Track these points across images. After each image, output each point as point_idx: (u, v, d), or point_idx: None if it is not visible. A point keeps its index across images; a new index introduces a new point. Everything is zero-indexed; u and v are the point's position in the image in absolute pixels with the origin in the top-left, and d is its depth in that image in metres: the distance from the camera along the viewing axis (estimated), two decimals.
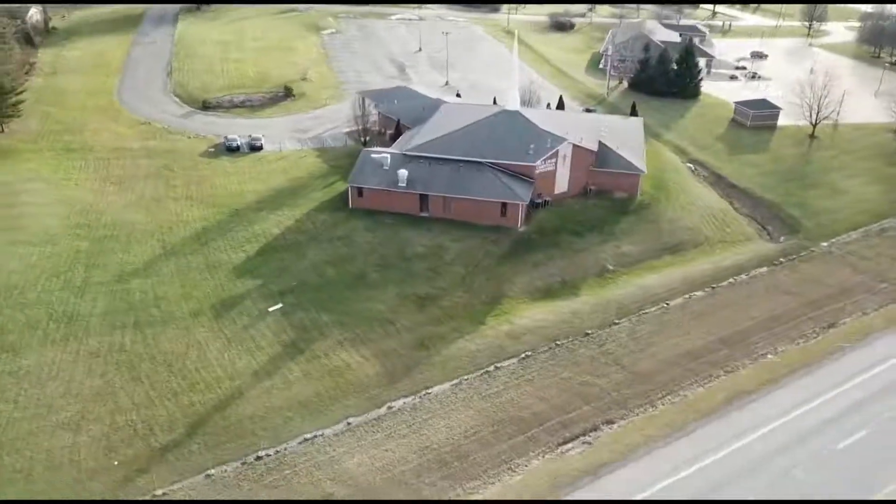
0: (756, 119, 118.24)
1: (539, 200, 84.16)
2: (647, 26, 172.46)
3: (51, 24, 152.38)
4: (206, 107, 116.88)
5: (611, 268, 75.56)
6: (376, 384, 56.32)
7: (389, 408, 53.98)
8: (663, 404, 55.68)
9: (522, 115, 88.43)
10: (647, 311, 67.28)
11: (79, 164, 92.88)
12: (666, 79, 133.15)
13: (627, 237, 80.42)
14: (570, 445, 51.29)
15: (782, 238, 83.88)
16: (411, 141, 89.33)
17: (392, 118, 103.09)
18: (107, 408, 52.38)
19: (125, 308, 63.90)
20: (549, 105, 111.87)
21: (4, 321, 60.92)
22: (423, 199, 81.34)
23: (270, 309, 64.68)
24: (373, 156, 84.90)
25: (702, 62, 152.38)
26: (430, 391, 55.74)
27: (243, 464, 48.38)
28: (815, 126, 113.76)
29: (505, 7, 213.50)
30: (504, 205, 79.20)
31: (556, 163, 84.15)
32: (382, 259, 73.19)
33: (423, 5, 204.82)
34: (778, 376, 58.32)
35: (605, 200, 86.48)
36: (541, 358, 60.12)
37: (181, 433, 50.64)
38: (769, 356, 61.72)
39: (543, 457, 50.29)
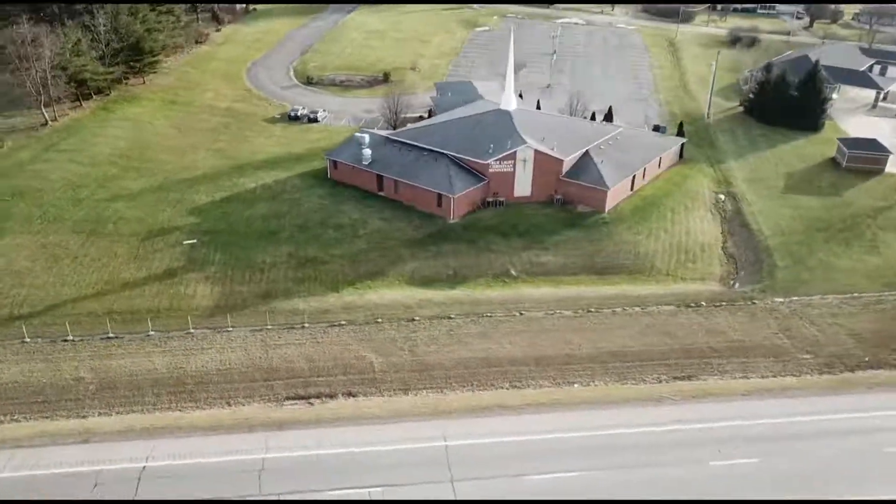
0: (853, 160, 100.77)
1: (492, 199, 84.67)
2: (829, 49, 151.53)
3: (251, 7, 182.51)
4: (308, 82, 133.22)
5: (514, 273, 74.45)
6: (199, 314, 65.34)
7: (189, 333, 62.70)
8: (416, 394, 56.59)
9: (509, 115, 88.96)
10: (493, 315, 66.30)
11: (170, 113, 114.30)
12: (781, 106, 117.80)
13: (557, 249, 77.70)
14: (295, 402, 55.47)
15: (737, 284, 73.92)
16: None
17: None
18: (12, 282, 68.84)
19: (94, 220, 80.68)
20: (594, 115, 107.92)
21: (16, 211, 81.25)
22: (381, 179, 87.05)
23: (185, 242, 76.77)
24: (356, 134, 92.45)
25: (866, 94, 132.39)
26: (230, 330, 63.21)
27: (51, 342, 61.07)
28: None
29: (699, 19, 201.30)
30: (440, 195, 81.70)
31: (514, 165, 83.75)
32: (305, 222, 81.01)
33: (605, 7, 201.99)
34: (552, 403, 55.16)
35: (566, 212, 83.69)
36: (348, 329, 63.89)
37: (37, 310, 65.08)
38: (576, 385, 58.11)
39: (264, 403, 55.23)
